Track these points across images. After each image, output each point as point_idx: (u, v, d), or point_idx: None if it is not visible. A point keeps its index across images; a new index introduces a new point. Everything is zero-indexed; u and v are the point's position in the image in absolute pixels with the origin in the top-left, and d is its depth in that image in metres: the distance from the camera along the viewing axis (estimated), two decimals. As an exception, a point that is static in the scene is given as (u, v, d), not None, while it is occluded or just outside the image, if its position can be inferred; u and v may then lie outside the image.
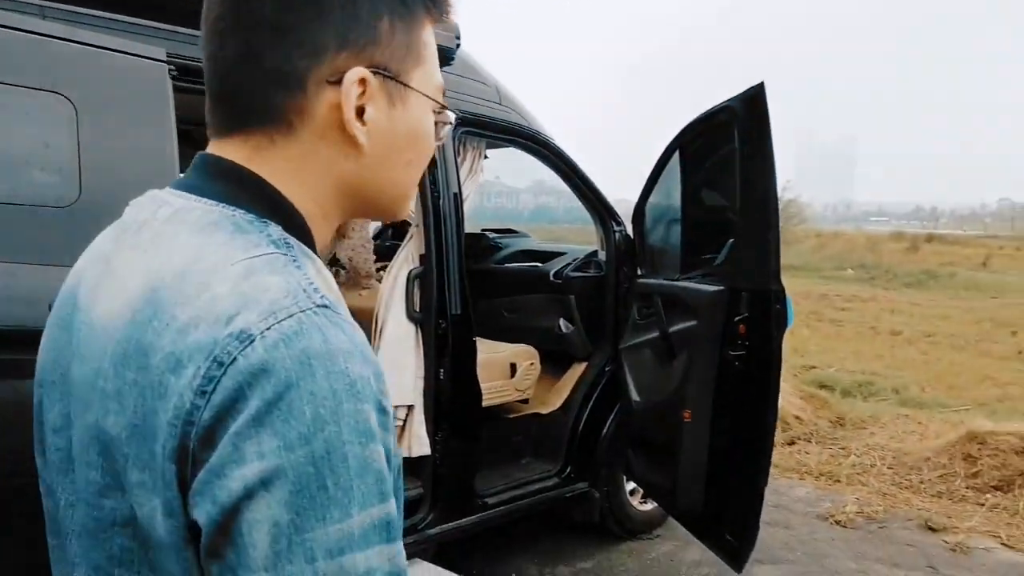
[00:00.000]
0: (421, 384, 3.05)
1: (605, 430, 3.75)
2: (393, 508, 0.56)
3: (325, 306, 0.57)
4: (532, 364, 3.69)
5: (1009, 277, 19.92)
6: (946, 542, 3.89)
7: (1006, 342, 10.99)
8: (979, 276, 20.02)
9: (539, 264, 4.07)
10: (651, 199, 3.61)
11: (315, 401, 0.52)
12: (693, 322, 2.96)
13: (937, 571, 3.60)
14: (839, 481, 4.82)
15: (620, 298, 3.78)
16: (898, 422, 6.18)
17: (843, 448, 5.49)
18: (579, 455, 3.72)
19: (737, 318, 2.78)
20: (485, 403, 3.43)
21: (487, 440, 3.50)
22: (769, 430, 2.80)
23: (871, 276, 19.45)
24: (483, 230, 4.66)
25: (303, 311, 0.55)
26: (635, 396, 3.43)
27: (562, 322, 3.97)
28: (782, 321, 2.78)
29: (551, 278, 3.90)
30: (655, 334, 3.23)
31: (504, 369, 3.56)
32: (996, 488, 4.57)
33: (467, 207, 3.22)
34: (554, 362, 4.26)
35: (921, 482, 4.80)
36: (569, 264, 3.91)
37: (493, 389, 3.50)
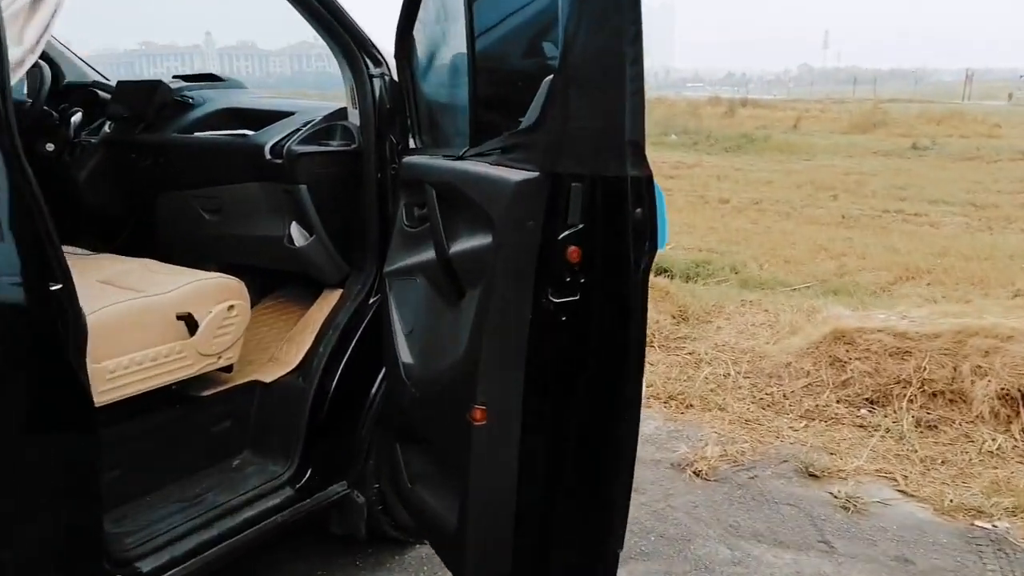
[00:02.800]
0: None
1: (372, 395, 2.37)
2: None
3: None
4: (232, 307, 2.16)
5: (817, 138, 20.44)
6: (834, 496, 2.97)
7: (828, 206, 10.82)
8: (792, 138, 20.38)
9: (249, 132, 2.45)
10: (422, 15, 2.09)
11: None
12: (486, 238, 1.55)
13: (833, 549, 2.66)
14: (692, 406, 3.83)
15: (387, 185, 2.31)
16: (744, 311, 5.33)
17: (691, 354, 4.52)
18: (329, 441, 2.33)
19: (565, 233, 1.42)
20: (132, 386, 1.93)
21: (140, 447, 2.03)
22: (627, 441, 1.53)
23: (694, 142, 19.14)
24: (174, 77, 2.91)
25: None
26: (404, 356, 2.04)
27: (294, 228, 2.44)
28: (650, 239, 1.45)
29: (267, 156, 2.31)
30: (431, 255, 1.81)
31: (169, 324, 2.01)
32: (872, 402, 3.76)
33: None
34: (290, 294, 2.76)
35: (785, 397, 3.91)
36: (297, 132, 2.33)
37: (149, 361, 1.97)
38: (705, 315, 5.25)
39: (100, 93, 2.82)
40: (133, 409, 2.05)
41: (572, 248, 1.41)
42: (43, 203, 1.48)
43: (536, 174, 1.44)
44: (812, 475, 3.13)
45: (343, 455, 2.36)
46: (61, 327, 1.52)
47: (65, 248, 2.35)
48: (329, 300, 2.50)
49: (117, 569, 1.79)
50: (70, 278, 1.55)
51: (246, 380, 2.34)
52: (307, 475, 2.28)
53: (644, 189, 1.42)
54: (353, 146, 2.35)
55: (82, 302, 1.70)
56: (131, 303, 1.96)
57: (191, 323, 2.05)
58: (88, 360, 1.74)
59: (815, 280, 6.61)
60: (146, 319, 1.97)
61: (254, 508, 2.13)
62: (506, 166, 1.54)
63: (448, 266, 1.75)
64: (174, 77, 2.92)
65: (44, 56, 2.71)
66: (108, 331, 1.88)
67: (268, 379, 2.35)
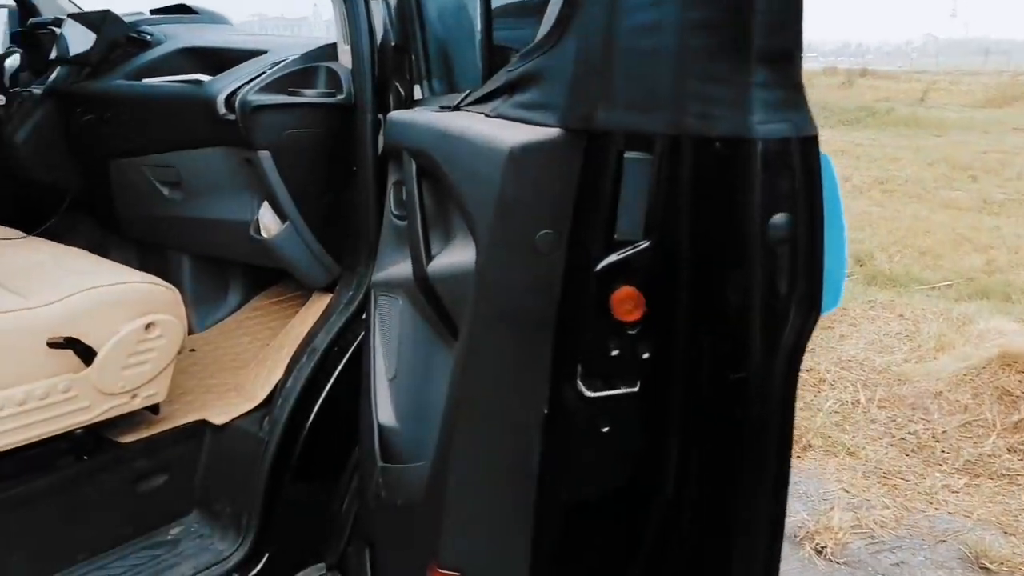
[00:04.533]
0: None
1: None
2: None
3: None
4: (150, 327, 1.51)
5: (947, 112, 18.45)
6: (1022, 608, 2.10)
7: (967, 189, 9.43)
8: (919, 112, 18.45)
9: (202, 78, 1.79)
10: None
11: None
12: (468, 252, 0.82)
13: None
14: (811, 447, 2.98)
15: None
16: (874, 316, 4.39)
17: (809, 371, 3.65)
18: (297, 507, 1.67)
19: (612, 258, 0.68)
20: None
21: (26, 515, 1.44)
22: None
23: (808, 114, 17.59)
24: (151, 11, 2.28)
25: None
26: (383, 414, 1.33)
27: (264, 212, 1.77)
28: (806, 280, 0.68)
29: (220, 110, 1.64)
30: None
31: (42, 353, 1.38)
32: (1061, 455, 2.81)
33: None
34: (292, 288, 2.13)
35: (936, 439, 3.01)
36: (260, 77, 1.65)
37: (13, 405, 1.35)
38: (825, 318, 4.32)
39: (56, 31, 2.23)
40: (18, 461, 1.46)
41: (625, 289, 0.67)
42: None
43: (553, 131, 0.70)
44: (985, 568, 2.26)
45: (316, 527, 1.70)
46: None
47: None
48: (314, 311, 1.83)
49: None
50: None
51: (189, 420, 1.70)
52: (264, 558, 1.63)
53: (798, 169, 0.66)
54: (339, 97, 1.65)
55: None
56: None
57: (83, 350, 1.41)
58: None
59: (958, 277, 5.53)
60: (11, 342, 1.35)
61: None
62: (509, 119, 0.80)
63: (428, 289, 1.02)
64: (151, 11, 2.30)
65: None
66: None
67: (220, 419, 1.71)
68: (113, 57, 1.99)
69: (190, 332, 2.15)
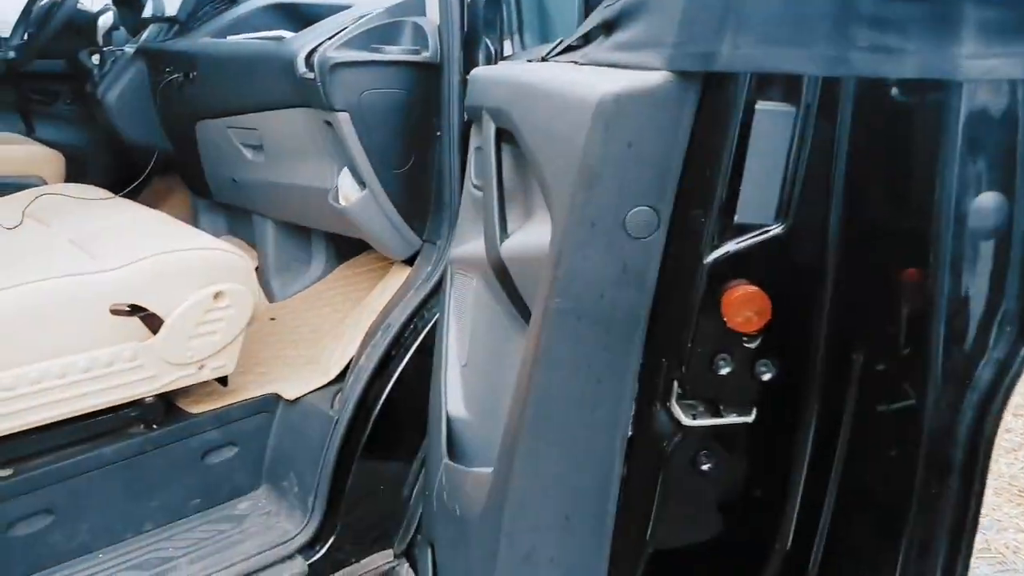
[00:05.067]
0: None
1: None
2: None
3: None
4: (219, 295, 1.45)
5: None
6: None
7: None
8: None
9: (285, 34, 1.69)
10: None
11: None
12: (545, 231, 0.67)
13: None
14: (933, 457, 2.67)
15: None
16: None
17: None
18: (369, 485, 1.59)
19: (728, 247, 0.53)
20: (46, 409, 1.31)
21: (93, 482, 1.42)
22: None
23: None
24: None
25: None
26: (452, 403, 1.21)
27: (343, 179, 1.67)
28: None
29: (300, 69, 1.55)
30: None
31: (108, 320, 1.33)
32: None
33: None
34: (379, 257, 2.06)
35: (1084, 458, 2.63)
36: (343, 33, 1.53)
37: (78, 372, 1.31)
38: None
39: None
40: (88, 427, 1.43)
41: (743, 288, 0.51)
42: None
43: (657, 77, 0.54)
44: None
45: (384, 513, 1.61)
46: None
47: (74, 187, 1.75)
48: (392, 284, 1.73)
49: None
50: None
51: (262, 393, 1.64)
52: (328, 541, 1.55)
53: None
54: (424, 55, 1.51)
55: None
56: (49, 284, 1.29)
57: (149, 318, 1.35)
58: None
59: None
60: (76, 307, 1.31)
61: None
62: (603, 65, 0.63)
63: (501, 270, 0.88)
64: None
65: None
66: (9, 325, 1.23)
67: (292, 393, 1.64)
68: (201, 14, 1.93)
69: (272, 300, 2.11)
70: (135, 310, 1.32)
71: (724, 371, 0.58)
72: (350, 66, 1.48)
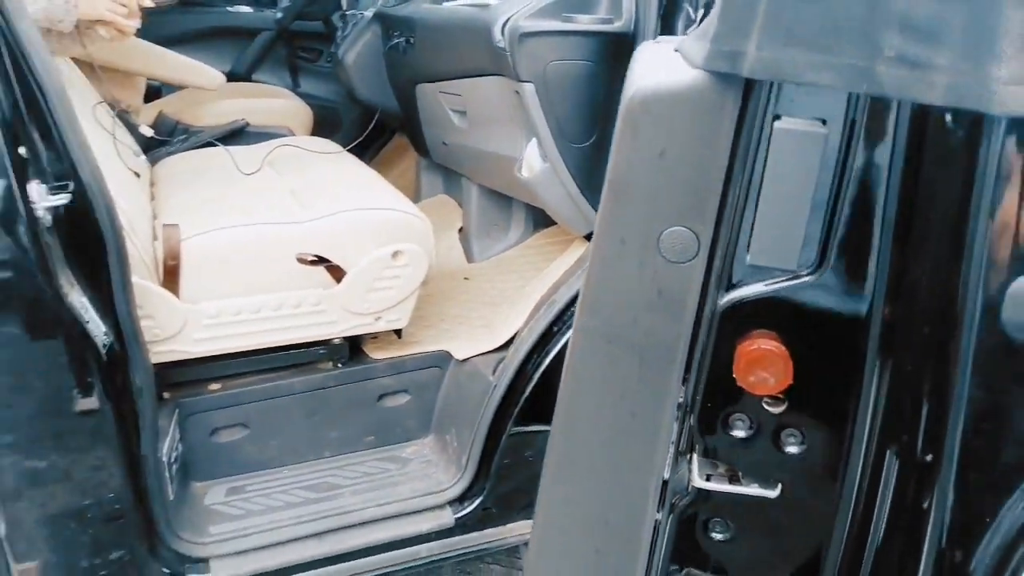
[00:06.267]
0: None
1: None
2: None
3: None
4: (397, 255, 1.53)
5: None
6: None
7: None
8: None
9: (491, 1, 1.71)
10: None
11: None
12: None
13: None
14: None
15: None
16: None
17: None
18: (518, 453, 1.63)
19: (739, 292, 0.41)
20: (242, 339, 1.52)
21: (289, 404, 1.61)
22: None
23: None
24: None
25: None
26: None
27: (530, 149, 1.67)
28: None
29: (495, 37, 1.56)
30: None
31: (298, 266, 1.47)
32: None
33: None
34: (549, 239, 2.06)
35: None
36: (533, 3, 1.51)
37: (269, 310, 1.48)
38: None
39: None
40: (282, 358, 1.62)
41: (758, 343, 0.41)
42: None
43: (693, 76, 0.45)
44: None
45: (534, 482, 1.63)
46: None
47: (311, 140, 1.95)
48: (567, 259, 1.72)
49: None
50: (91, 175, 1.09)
51: (435, 349, 1.73)
52: (477, 500, 1.62)
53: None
54: (617, 24, 1.45)
55: (218, 219, 1.44)
56: (256, 230, 1.46)
57: (333, 269, 1.48)
58: (183, 298, 1.33)
59: None
60: (276, 252, 1.47)
61: (387, 530, 1.55)
62: (678, 53, 0.55)
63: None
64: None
65: None
66: (217, 263, 1.42)
67: (462, 353, 1.71)
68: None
69: (471, 260, 2.20)
70: (319, 260, 1.45)
71: (740, 434, 0.48)
72: (538, 36, 1.47)
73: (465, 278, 2.10)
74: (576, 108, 1.52)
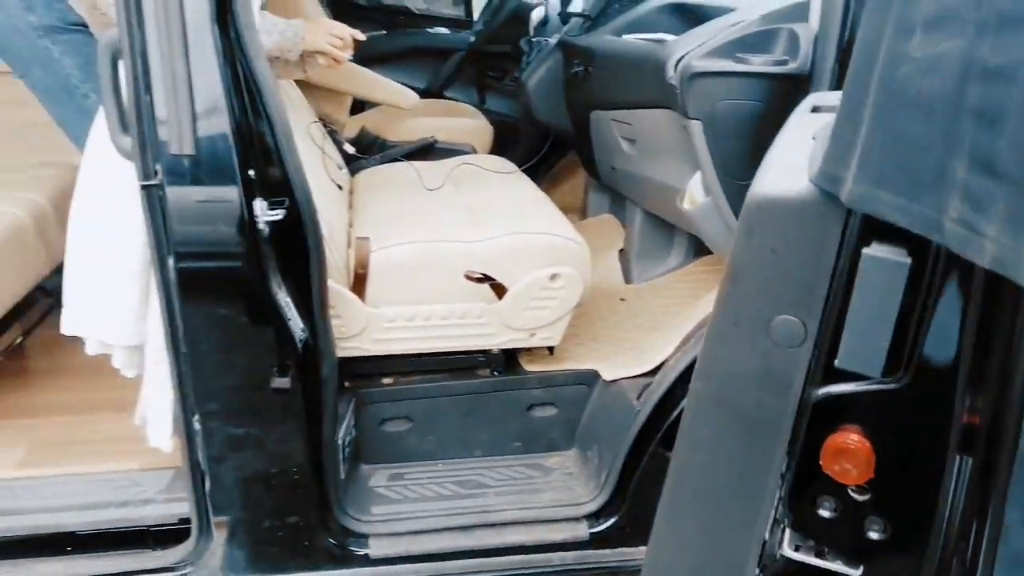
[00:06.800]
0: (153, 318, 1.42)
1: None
2: None
3: None
4: (555, 277, 1.63)
5: None
6: None
7: None
8: None
9: (667, 38, 1.75)
10: None
11: None
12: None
13: None
14: None
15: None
16: None
17: None
18: (654, 480, 1.66)
19: (830, 392, 0.45)
20: (415, 343, 1.68)
21: (446, 405, 1.75)
22: None
23: None
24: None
25: None
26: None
27: (694, 183, 1.70)
28: None
29: (668, 73, 1.61)
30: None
31: (462, 282, 1.60)
32: None
33: None
34: (708, 267, 2.07)
35: None
36: (711, 41, 1.54)
37: (438, 319, 1.63)
38: None
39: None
40: (447, 362, 1.78)
41: (844, 437, 0.45)
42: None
43: (805, 188, 0.50)
44: None
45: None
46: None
47: (487, 159, 2.11)
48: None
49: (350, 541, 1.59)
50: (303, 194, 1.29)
51: (584, 367, 1.81)
52: (612, 519, 1.68)
53: None
54: (791, 65, 1.45)
55: (402, 233, 1.62)
56: (432, 247, 1.61)
57: (497, 287, 1.60)
58: (367, 303, 1.51)
59: None
60: (445, 269, 1.61)
61: (524, 534, 1.66)
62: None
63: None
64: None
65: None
66: (397, 274, 1.59)
67: (610, 375, 1.77)
68: (610, 10, 2.10)
69: (629, 281, 2.26)
70: (485, 278, 1.58)
71: (826, 514, 0.51)
72: (709, 76, 1.50)
73: (621, 299, 2.16)
74: (742, 146, 1.54)
